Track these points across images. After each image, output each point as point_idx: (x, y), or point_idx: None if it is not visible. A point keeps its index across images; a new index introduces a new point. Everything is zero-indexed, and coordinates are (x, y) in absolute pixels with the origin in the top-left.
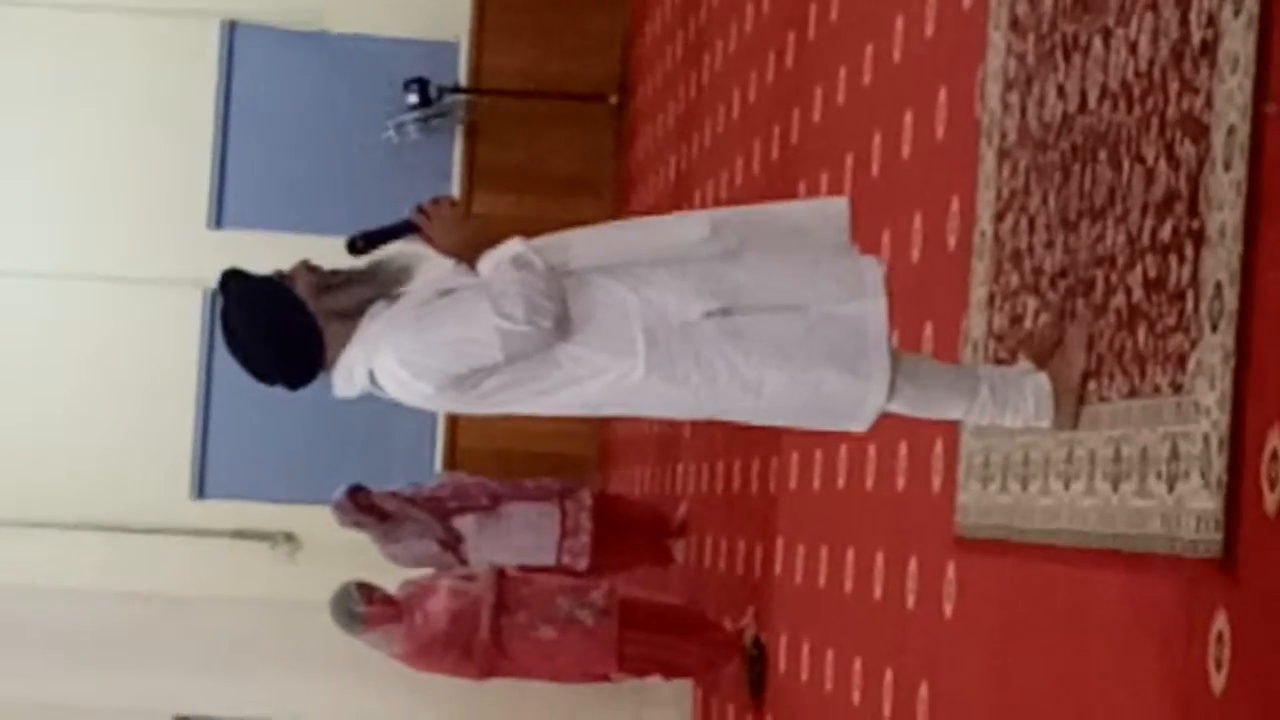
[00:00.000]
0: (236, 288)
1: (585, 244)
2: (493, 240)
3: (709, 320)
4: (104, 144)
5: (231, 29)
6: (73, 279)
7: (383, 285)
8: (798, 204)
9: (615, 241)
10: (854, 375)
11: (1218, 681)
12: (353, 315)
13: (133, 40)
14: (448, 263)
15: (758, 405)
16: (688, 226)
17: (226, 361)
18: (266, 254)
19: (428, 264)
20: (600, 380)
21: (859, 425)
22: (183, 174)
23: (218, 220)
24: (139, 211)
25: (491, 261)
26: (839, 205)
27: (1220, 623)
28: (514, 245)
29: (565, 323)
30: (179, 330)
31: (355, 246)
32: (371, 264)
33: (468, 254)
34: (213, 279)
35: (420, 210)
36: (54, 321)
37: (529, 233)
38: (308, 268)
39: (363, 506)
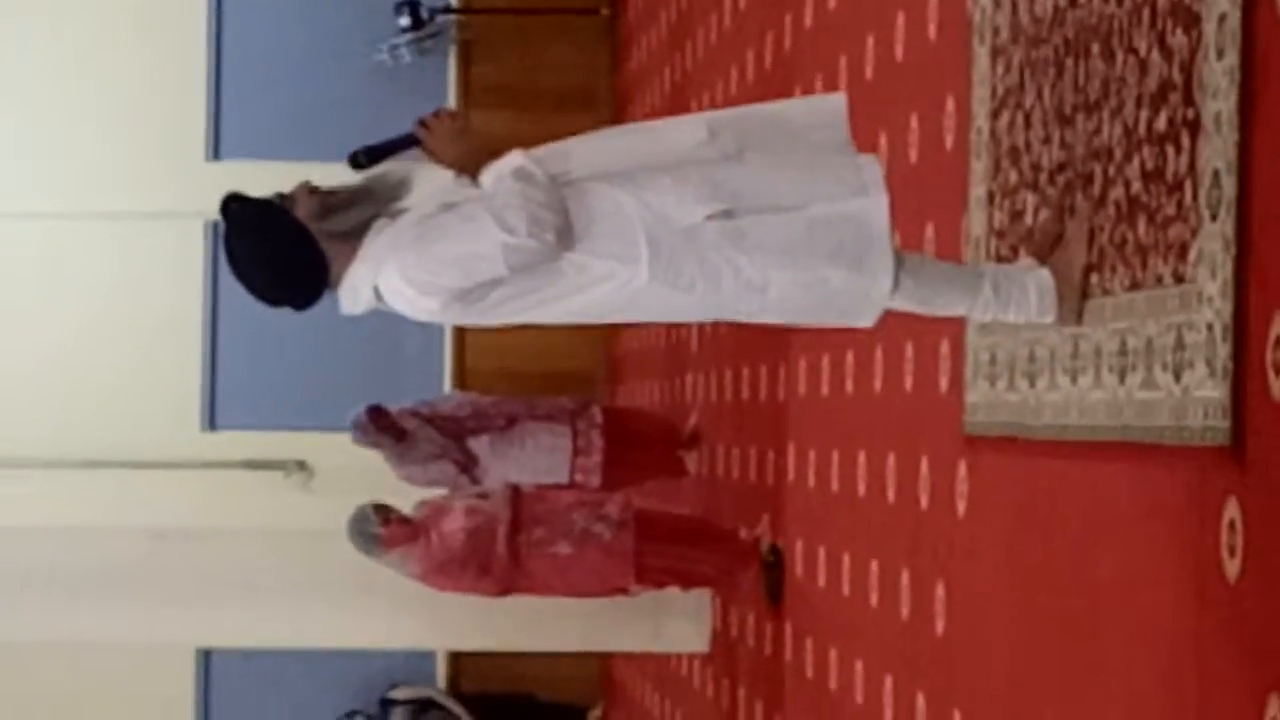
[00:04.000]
0: (238, 212)
1: (585, 152)
2: (494, 152)
3: (711, 223)
4: (97, 79)
5: None
6: (72, 217)
7: (382, 201)
8: (795, 102)
9: (615, 148)
10: (858, 271)
11: (1231, 568)
12: (355, 234)
13: None
14: (447, 174)
15: (763, 305)
16: (686, 130)
17: (232, 292)
18: (267, 183)
19: (426, 176)
20: (605, 287)
21: (865, 320)
22: (178, 106)
23: (216, 152)
24: (136, 146)
25: (493, 174)
26: (837, 103)
27: (1232, 510)
28: (515, 157)
29: (567, 233)
30: (182, 263)
31: (358, 161)
32: (369, 179)
33: (470, 166)
34: (213, 211)
35: (421, 123)
36: (56, 260)
37: (526, 148)
38: (308, 189)
39: (382, 426)
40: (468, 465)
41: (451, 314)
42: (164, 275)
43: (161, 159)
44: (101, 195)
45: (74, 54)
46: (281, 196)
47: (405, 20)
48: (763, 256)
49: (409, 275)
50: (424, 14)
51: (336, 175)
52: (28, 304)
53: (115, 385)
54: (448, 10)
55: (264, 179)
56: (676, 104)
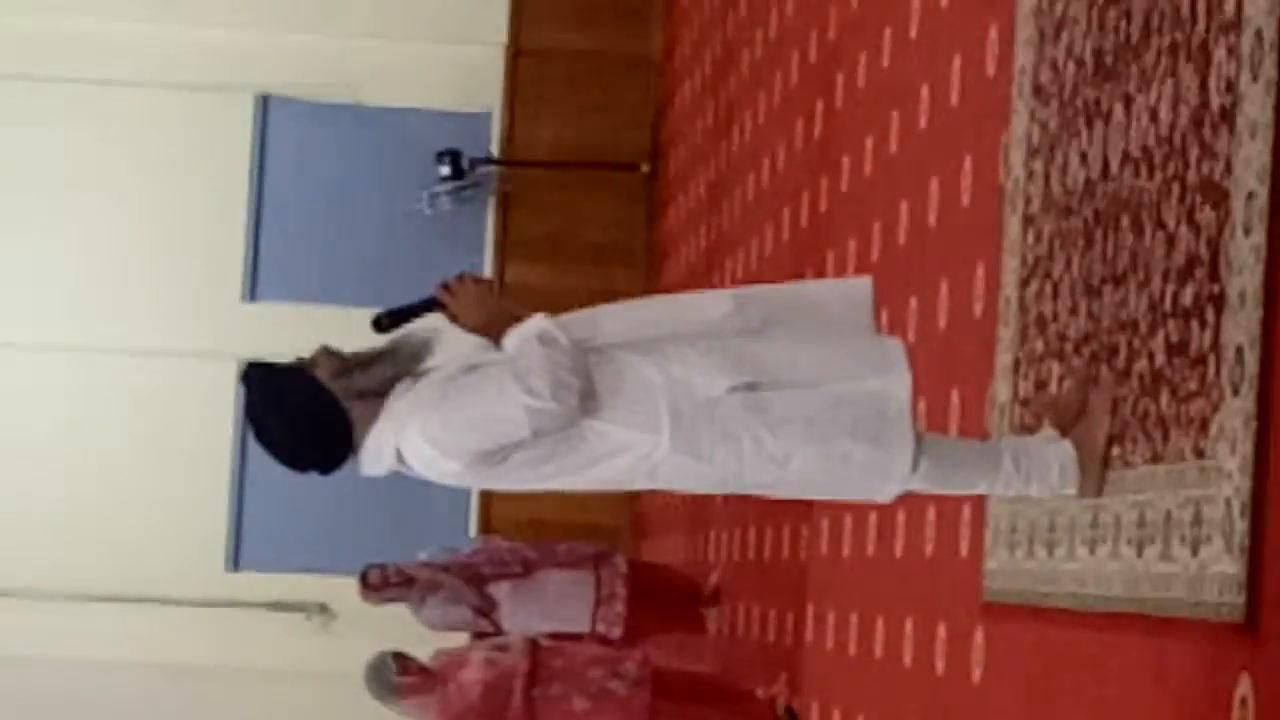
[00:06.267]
0: (259, 379)
1: (611, 321)
2: (517, 317)
3: (733, 395)
4: (138, 217)
5: (265, 103)
6: (105, 352)
7: (404, 363)
8: (822, 283)
9: (640, 318)
10: (878, 448)
11: None
12: (377, 395)
13: (167, 114)
14: (470, 338)
15: (783, 478)
16: (712, 303)
17: None
18: (301, 326)
19: (448, 339)
20: (626, 456)
21: (882, 497)
22: (217, 246)
23: (252, 293)
24: (173, 284)
25: (517, 338)
26: (863, 286)
27: (1244, 686)
28: (539, 321)
29: (591, 399)
30: (213, 402)
31: (380, 324)
32: (391, 342)
33: (492, 330)
34: (246, 352)
35: (444, 286)
36: (88, 394)
37: (559, 302)
38: (328, 352)
39: (375, 585)
40: (486, 610)
41: (473, 476)
42: (194, 413)
43: (197, 298)
44: (135, 331)
45: (115, 187)
46: (301, 361)
47: (446, 169)
48: (785, 430)
49: (431, 436)
50: (465, 164)
51: (370, 325)
52: (57, 436)
53: (140, 521)
54: (488, 161)
55: (298, 321)
56: (712, 261)
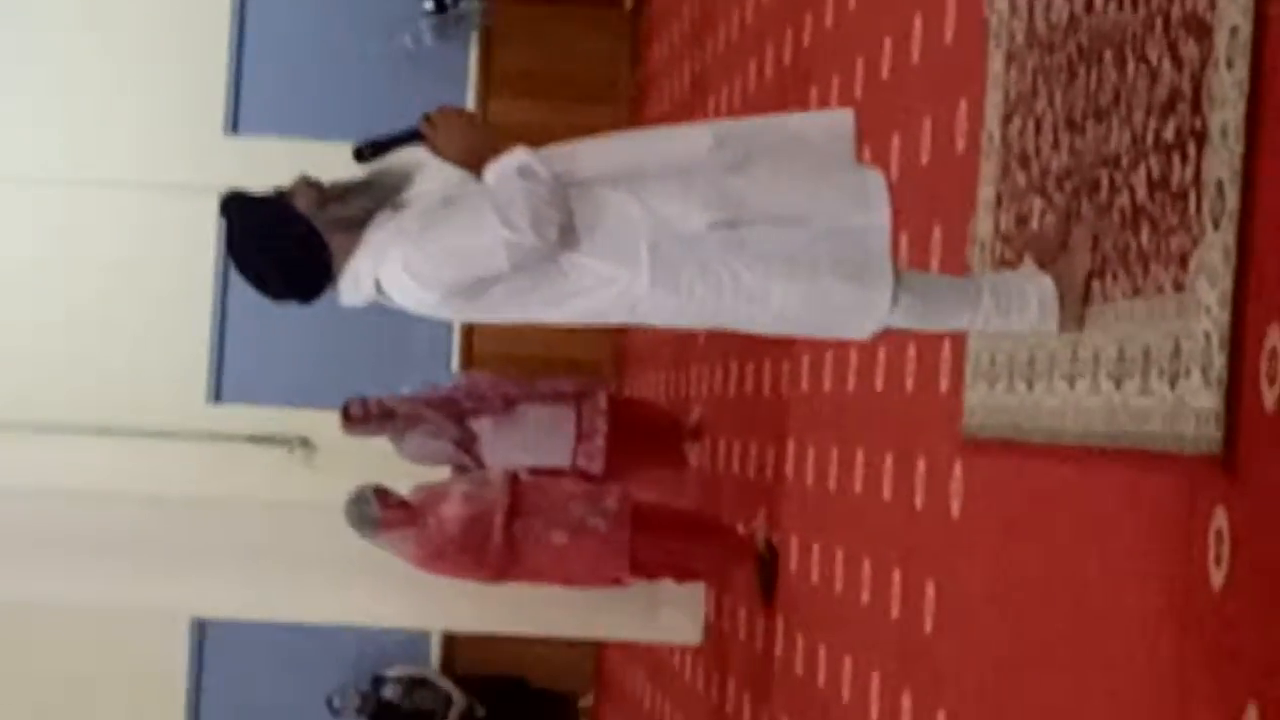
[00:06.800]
0: (238, 209)
1: (591, 155)
2: (498, 149)
3: (713, 232)
4: (119, 49)
5: None
6: (87, 185)
7: (383, 193)
8: (803, 116)
9: (621, 152)
10: (857, 286)
11: (1217, 577)
12: (356, 225)
13: None
14: (449, 169)
15: (762, 316)
16: (692, 138)
17: None
18: (283, 160)
19: (428, 170)
20: (605, 290)
21: (862, 334)
22: (199, 79)
23: (234, 125)
24: (155, 117)
25: (497, 170)
26: (844, 118)
27: (1220, 519)
28: (519, 154)
29: (570, 233)
30: (195, 236)
31: (361, 154)
32: (371, 173)
33: (473, 162)
34: (228, 184)
35: (427, 118)
36: (70, 226)
37: (542, 139)
38: (307, 182)
39: (356, 418)
40: (467, 444)
41: (451, 308)
42: (175, 246)
43: (179, 131)
44: (117, 164)
45: (96, 22)
46: (280, 191)
47: (429, 3)
48: (764, 267)
49: (409, 266)
50: None
51: (350, 156)
52: (39, 269)
53: (123, 353)
54: None
55: (280, 155)
56: (695, 98)
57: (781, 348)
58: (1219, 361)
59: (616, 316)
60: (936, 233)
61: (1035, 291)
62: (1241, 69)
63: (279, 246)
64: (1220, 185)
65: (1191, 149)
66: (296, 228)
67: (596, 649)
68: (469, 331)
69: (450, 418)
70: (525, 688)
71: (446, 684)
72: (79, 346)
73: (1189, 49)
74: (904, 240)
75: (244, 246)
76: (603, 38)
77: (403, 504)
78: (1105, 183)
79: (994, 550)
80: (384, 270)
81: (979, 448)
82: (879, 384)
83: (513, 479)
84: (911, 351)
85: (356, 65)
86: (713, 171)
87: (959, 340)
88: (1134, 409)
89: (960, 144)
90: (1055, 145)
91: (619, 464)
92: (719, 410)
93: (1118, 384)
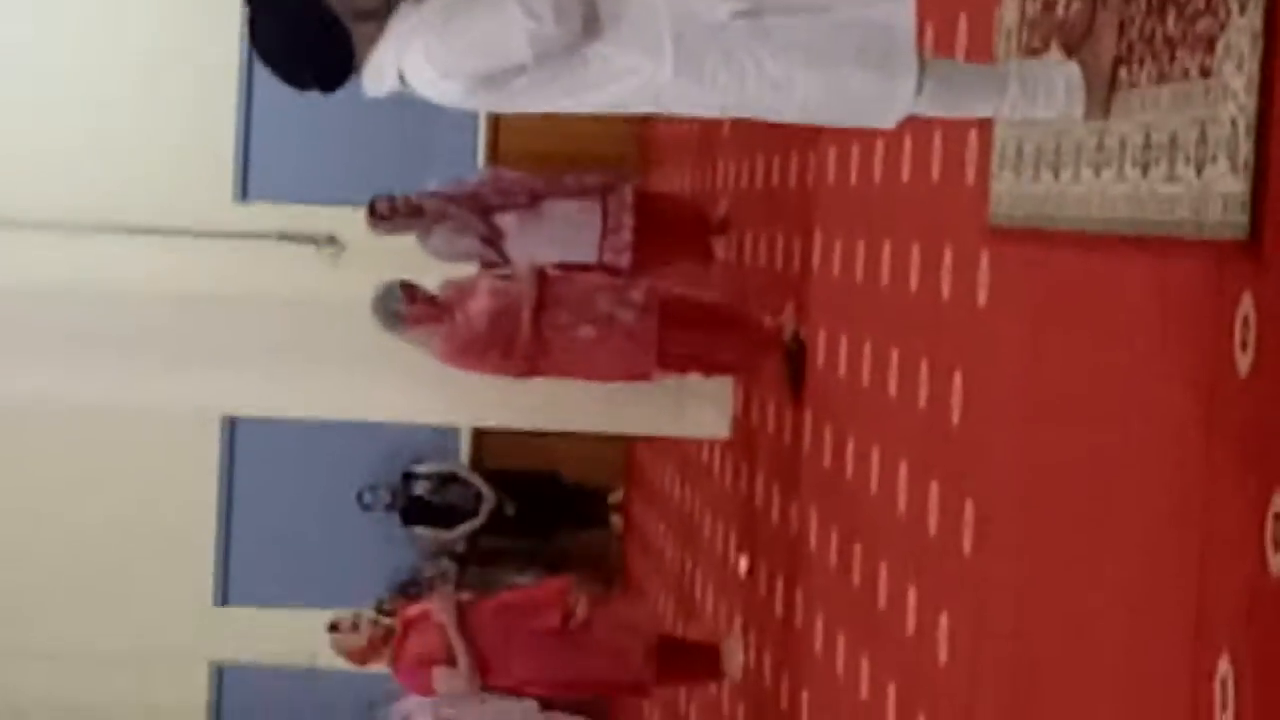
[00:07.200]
0: None
1: None
2: None
3: (737, 21)
4: None
5: None
6: None
7: None
8: None
9: None
10: (881, 74)
11: (1243, 362)
12: (381, 14)
13: None
14: None
15: (786, 105)
16: None
17: None
18: None
19: None
20: (629, 80)
21: (886, 123)
22: None
23: None
24: None
25: None
26: None
27: (1246, 305)
28: None
29: (593, 23)
30: (221, 30)
31: None
32: None
33: None
34: None
35: None
36: (98, 26)
37: None
38: None
39: (383, 215)
40: (493, 239)
41: (474, 98)
42: (203, 41)
43: None
44: None
45: None
46: None
47: None
48: (787, 55)
49: (433, 57)
50: None
51: None
52: (66, 66)
53: (149, 151)
54: None
55: None
56: None
57: (807, 139)
58: (1245, 147)
59: (640, 106)
60: (962, 21)
61: (1061, 78)
62: None
63: (302, 33)
64: None
65: None
66: (320, 13)
67: (626, 444)
68: (495, 127)
69: (476, 213)
70: (556, 482)
71: (476, 480)
72: (105, 145)
73: None
74: (929, 29)
75: (265, 31)
76: None
77: (430, 299)
78: None
79: (1020, 339)
80: (407, 61)
81: (1005, 237)
82: (905, 175)
83: (540, 273)
84: (938, 142)
85: None
86: None
87: (985, 130)
88: (1160, 196)
89: None
90: None
91: (645, 258)
92: (745, 203)
93: (1144, 171)
